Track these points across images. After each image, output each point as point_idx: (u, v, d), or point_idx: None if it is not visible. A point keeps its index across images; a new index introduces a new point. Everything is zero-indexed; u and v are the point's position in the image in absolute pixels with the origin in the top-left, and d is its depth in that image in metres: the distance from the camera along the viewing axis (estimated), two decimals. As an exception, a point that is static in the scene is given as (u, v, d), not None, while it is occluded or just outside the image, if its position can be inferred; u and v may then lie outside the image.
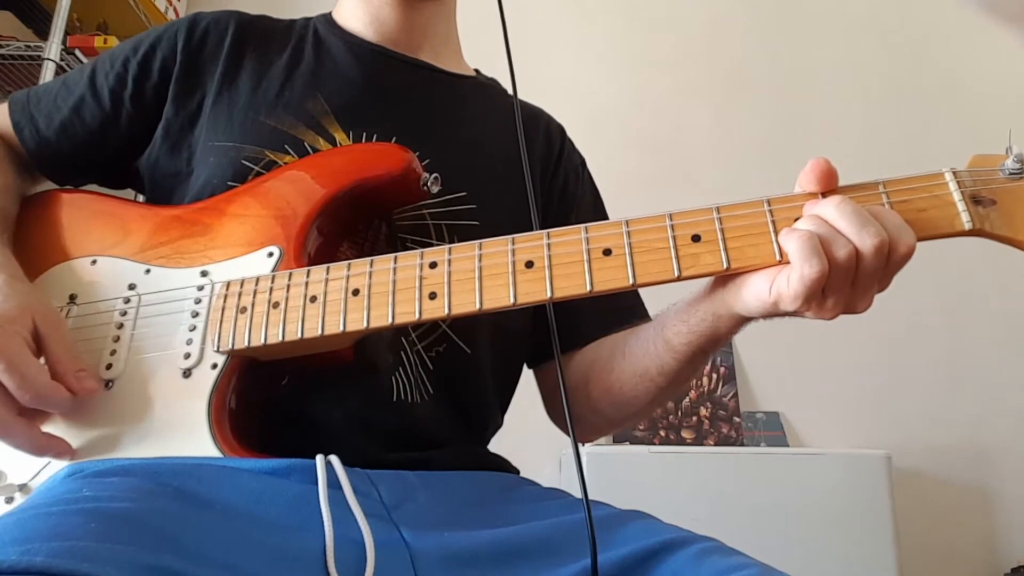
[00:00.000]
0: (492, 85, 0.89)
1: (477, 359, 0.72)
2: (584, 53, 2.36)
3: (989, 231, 0.51)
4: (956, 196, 0.51)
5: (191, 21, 0.78)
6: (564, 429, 0.82)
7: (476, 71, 0.90)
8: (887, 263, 0.50)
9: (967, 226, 0.51)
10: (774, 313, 0.53)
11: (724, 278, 0.56)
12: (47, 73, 1.88)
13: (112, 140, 0.76)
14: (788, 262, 0.51)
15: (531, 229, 0.64)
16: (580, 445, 1.78)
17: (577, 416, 0.79)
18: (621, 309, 0.79)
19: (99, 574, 0.36)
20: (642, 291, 0.82)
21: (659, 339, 0.65)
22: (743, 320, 0.57)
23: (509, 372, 0.80)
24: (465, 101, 0.83)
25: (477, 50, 0.90)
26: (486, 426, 0.76)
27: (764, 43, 2.35)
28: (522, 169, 0.71)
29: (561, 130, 0.90)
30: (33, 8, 2.06)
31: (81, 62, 1.95)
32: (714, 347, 0.62)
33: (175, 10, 2.31)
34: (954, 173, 0.52)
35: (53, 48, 1.88)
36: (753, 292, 0.53)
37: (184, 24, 0.78)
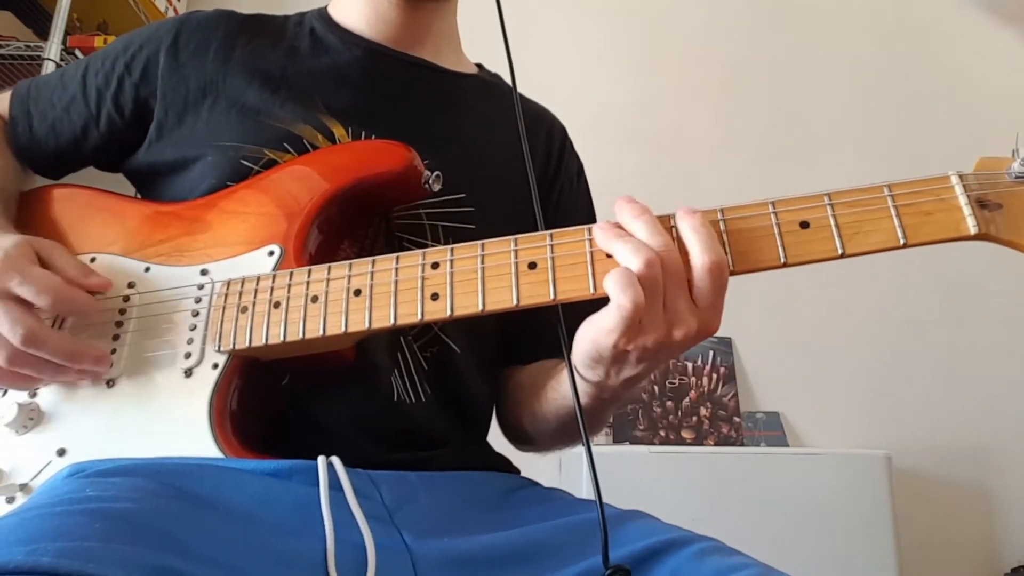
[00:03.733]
0: (495, 82, 0.88)
1: (466, 359, 0.72)
2: (585, 54, 2.36)
3: (995, 235, 0.51)
4: (962, 200, 0.51)
5: (180, 21, 0.78)
6: (508, 436, 0.82)
7: (479, 66, 0.89)
8: (690, 278, 0.50)
9: (973, 230, 0.50)
10: (594, 352, 0.53)
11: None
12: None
13: (92, 138, 0.77)
14: (792, 264, 0.51)
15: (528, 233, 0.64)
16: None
17: (512, 431, 0.80)
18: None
19: (104, 574, 0.36)
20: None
21: (546, 391, 0.68)
22: (593, 392, 0.58)
23: (493, 371, 0.79)
24: (466, 100, 0.82)
25: (477, 47, 0.90)
26: (484, 425, 0.76)
27: (764, 43, 2.35)
28: (522, 172, 0.71)
29: (563, 133, 0.89)
30: (33, 8, 2.05)
31: (81, 62, 1.95)
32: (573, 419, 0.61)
33: (175, 10, 2.31)
34: (960, 176, 0.52)
35: (53, 48, 1.88)
36: (583, 333, 0.54)
37: (173, 24, 0.78)
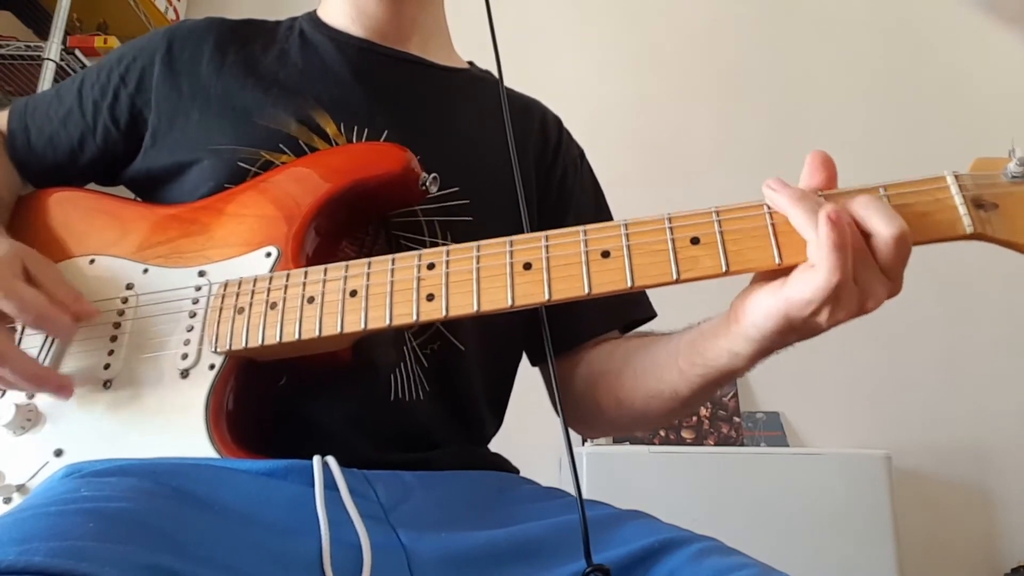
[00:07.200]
0: (485, 78, 0.88)
1: (470, 356, 0.72)
2: (584, 53, 2.36)
3: (990, 235, 0.50)
4: (958, 200, 0.51)
5: (172, 31, 0.79)
6: (569, 424, 0.82)
7: (470, 63, 0.89)
8: (874, 250, 0.50)
9: (968, 230, 0.50)
10: (786, 325, 0.53)
11: (738, 310, 0.56)
12: (47, 73, 1.88)
13: (88, 150, 0.77)
14: (787, 265, 0.51)
15: (526, 224, 0.64)
16: (580, 444, 1.77)
17: (584, 418, 0.79)
18: (624, 305, 0.79)
19: (98, 574, 0.36)
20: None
21: (673, 364, 0.65)
22: (760, 355, 0.57)
23: (502, 369, 0.79)
24: (457, 94, 0.82)
25: (476, 45, 0.90)
26: (483, 424, 0.76)
27: (764, 43, 2.35)
28: (517, 163, 0.71)
29: (558, 121, 0.89)
30: (33, 8, 2.06)
31: (81, 62, 1.95)
32: (728, 380, 0.62)
33: (175, 10, 2.31)
34: (956, 176, 0.51)
35: (53, 48, 1.89)
36: (762, 309, 0.53)
37: (165, 33, 0.78)
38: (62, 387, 0.61)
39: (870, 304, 0.51)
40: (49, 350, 0.64)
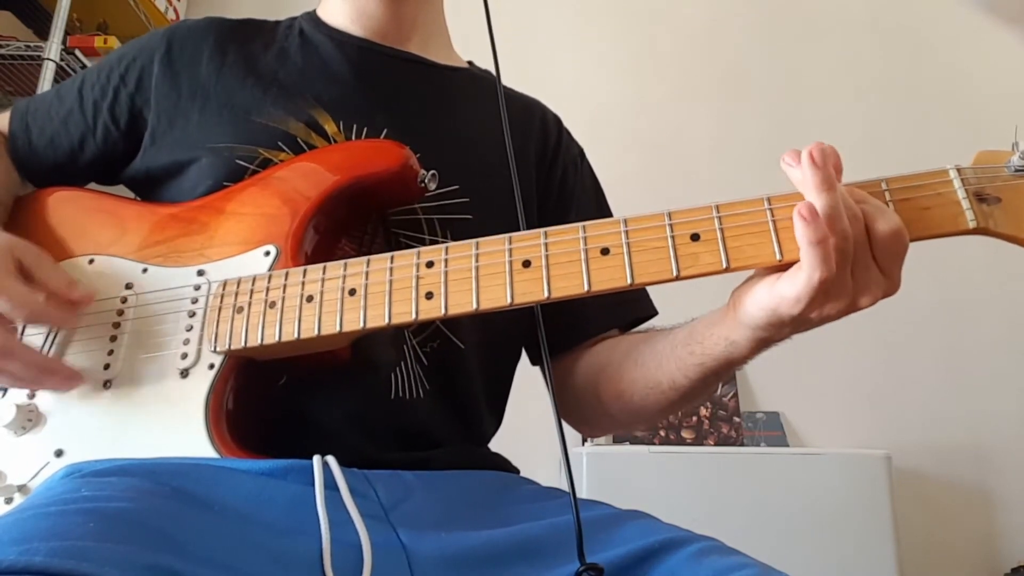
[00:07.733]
0: (485, 77, 0.88)
1: (470, 354, 0.72)
2: (584, 54, 2.36)
3: (993, 229, 0.50)
4: (960, 194, 0.50)
5: (171, 31, 0.79)
6: (571, 424, 0.82)
7: (470, 63, 0.90)
8: (872, 245, 0.50)
9: (971, 224, 0.50)
10: (776, 319, 0.53)
11: (736, 300, 0.56)
12: (47, 73, 1.88)
13: (89, 149, 0.77)
14: (788, 261, 0.51)
15: (526, 223, 0.63)
16: (580, 444, 1.77)
17: (586, 416, 0.79)
18: (625, 303, 0.79)
19: (98, 573, 0.36)
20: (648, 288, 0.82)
21: (672, 355, 0.65)
22: (758, 345, 0.57)
23: (501, 367, 0.79)
24: (456, 93, 0.82)
25: (476, 45, 0.90)
26: (482, 422, 0.76)
27: (764, 43, 2.35)
28: (516, 162, 0.71)
29: (557, 121, 0.89)
30: (33, 8, 2.06)
31: (81, 62, 1.95)
32: (728, 370, 0.62)
33: (175, 10, 2.31)
34: (958, 170, 0.51)
35: (53, 48, 1.89)
36: (755, 301, 0.53)
37: (165, 33, 0.79)
38: (71, 377, 0.61)
39: (864, 301, 0.51)
40: (51, 347, 0.64)
